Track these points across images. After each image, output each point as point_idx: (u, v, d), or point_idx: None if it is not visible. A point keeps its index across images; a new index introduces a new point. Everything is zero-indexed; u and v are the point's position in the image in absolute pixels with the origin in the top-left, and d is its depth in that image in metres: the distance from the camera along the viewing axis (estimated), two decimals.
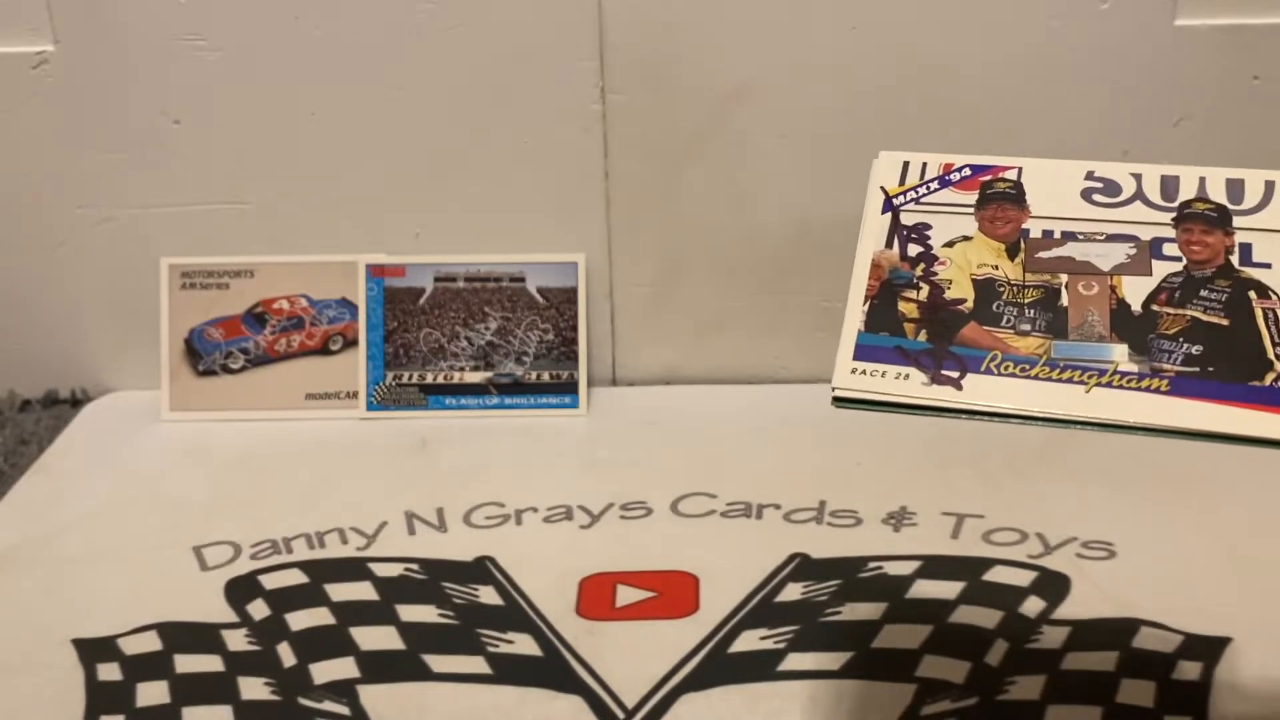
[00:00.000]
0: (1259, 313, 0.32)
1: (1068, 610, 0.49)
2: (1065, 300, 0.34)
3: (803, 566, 0.53)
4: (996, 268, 0.34)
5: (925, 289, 0.34)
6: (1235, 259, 0.34)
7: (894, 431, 0.62)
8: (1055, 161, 0.37)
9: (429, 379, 0.69)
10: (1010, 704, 0.44)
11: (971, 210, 0.36)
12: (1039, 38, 0.65)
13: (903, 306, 0.34)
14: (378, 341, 0.70)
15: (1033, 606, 0.50)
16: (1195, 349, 0.32)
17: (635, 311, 0.72)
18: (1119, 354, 0.32)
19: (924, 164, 0.37)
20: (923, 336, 0.33)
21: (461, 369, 0.69)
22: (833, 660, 0.47)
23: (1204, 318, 0.33)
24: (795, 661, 0.47)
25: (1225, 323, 0.32)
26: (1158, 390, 0.31)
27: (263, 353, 0.70)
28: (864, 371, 0.33)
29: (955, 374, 0.32)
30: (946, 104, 0.66)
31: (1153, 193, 0.36)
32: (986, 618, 0.49)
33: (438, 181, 0.69)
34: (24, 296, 0.73)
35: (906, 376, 0.32)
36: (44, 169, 0.70)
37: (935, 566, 0.52)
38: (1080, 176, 0.36)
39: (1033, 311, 0.33)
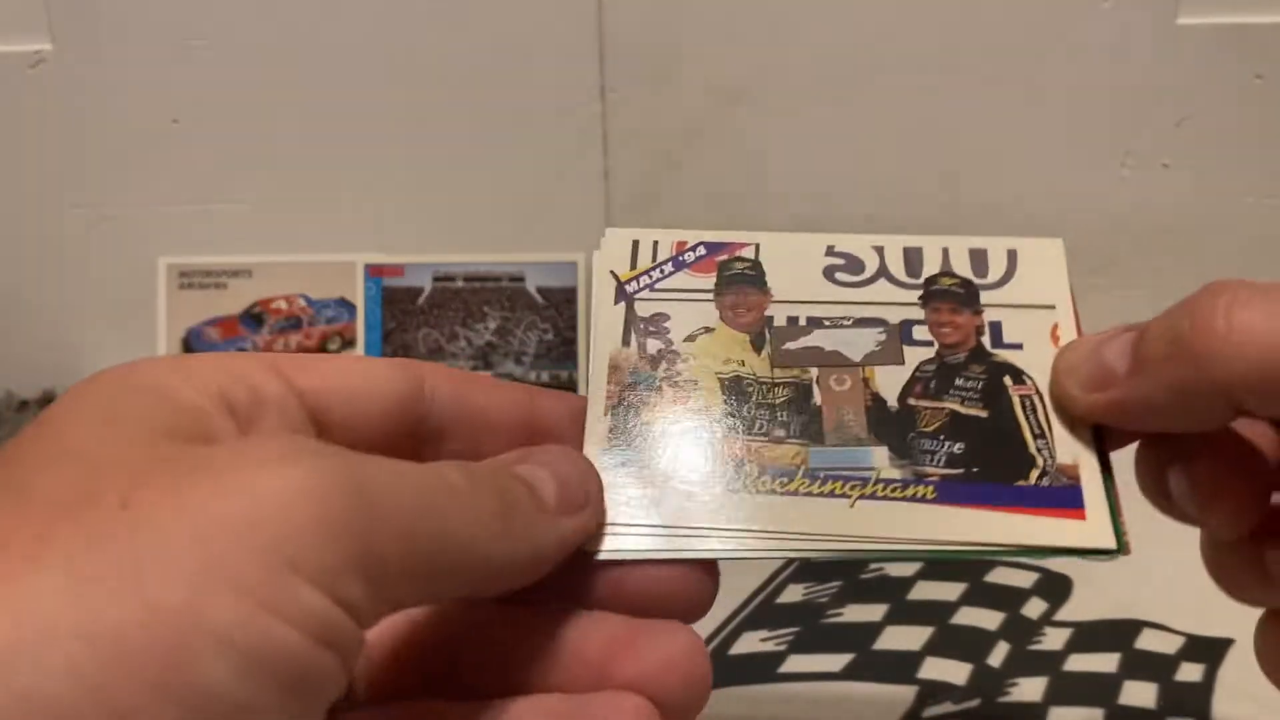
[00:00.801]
0: (1016, 401, 0.30)
1: (1069, 612, 0.49)
2: (818, 398, 0.30)
3: (804, 568, 0.52)
4: (743, 364, 0.30)
5: (673, 392, 0.30)
6: (987, 340, 0.31)
7: None
8: (793, 235, 0.33)
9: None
10: (1012, 705, 0.44)
11: (711, 297, 0.32)
12: (1040, 37, 0.65)
13: (647, 416, 0.30)
14: (376, 342, 0.69)
15: (1035, 608, 0.49)
16: (957, 447, 0.29)
17: None
18: (879, 458, 0.29)
19: (655, 242, 0.33)
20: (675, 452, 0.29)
21: (461, 369, 0.69)
22: (834, 662, 0.46)
23: (962, 410, 0.29)
24: (796, 663, 0.47)
25: (984, 414, 0.29)
26: (924, 499, 0.28)
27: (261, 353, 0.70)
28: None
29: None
30: (946, 102, 0.66)
31: (896, 268, 0.32)
32: (988, 619, 0.49)
33: (436, 181, 0.69)
34: (20, 296, 0.72)
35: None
36: (41, 168, 0.69)
37: (936, 568, 0.52)
38: (820, 252, 0.32)
39: (785, 414, 0.30)
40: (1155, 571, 0.51)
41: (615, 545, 0.27)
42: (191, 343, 0.70)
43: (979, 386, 0.30)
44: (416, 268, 0.70)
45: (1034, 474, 0.28)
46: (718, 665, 0.47)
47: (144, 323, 0.70)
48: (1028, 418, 0.29)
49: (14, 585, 0.18)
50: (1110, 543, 0.28)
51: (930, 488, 0.28)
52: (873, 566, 0.52)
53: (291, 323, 0.70)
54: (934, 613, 0.49)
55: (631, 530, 0.28)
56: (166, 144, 0.69)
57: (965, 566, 0.52)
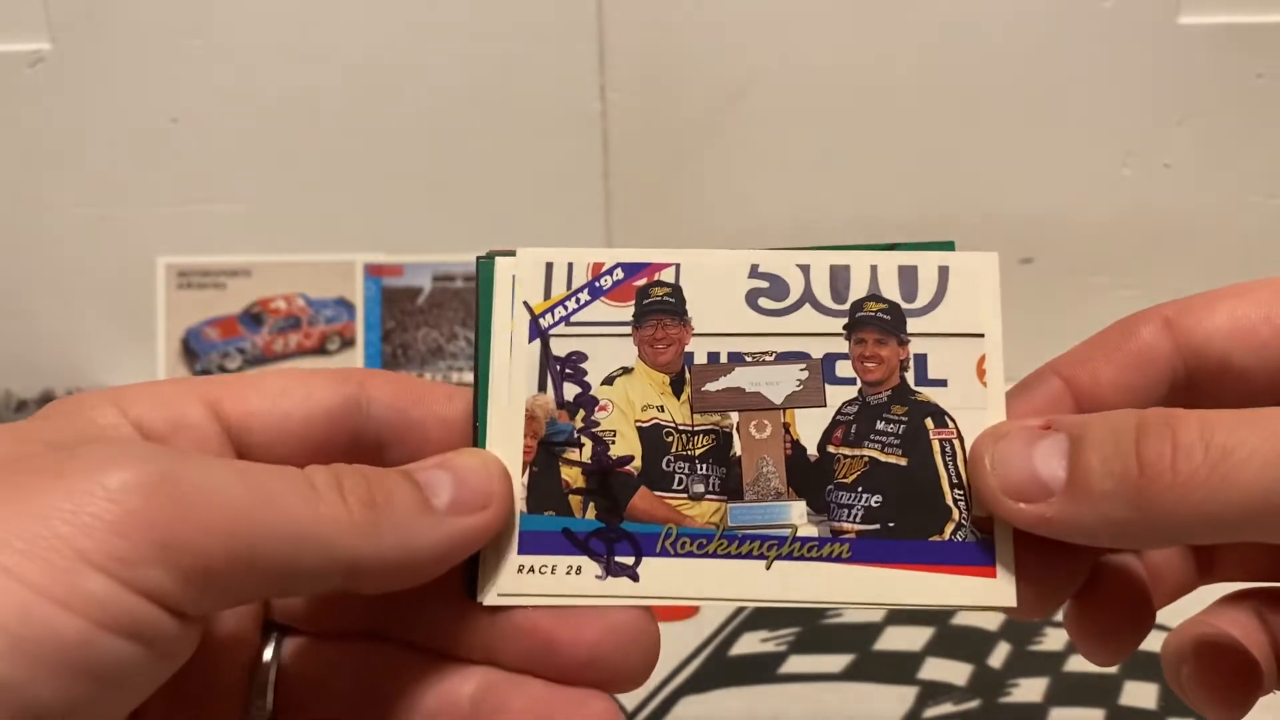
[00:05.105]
0: (936, 447, 0.28)
1: None
2: (738, 448, 0.29)
3: None
4: (662, 409, 0.29)
5: (588, 446, 0.29)
6: (911, 377, 0.29)
7: None
8: (714, 253, 0.30)
9: (427, 379, 0.69)
10: (1013, 706, 0.44)
11: (629, 330, 0.30)
12: (1041, 37, 0.65)
13: (565, 473, 0.29)
14: (375, 341, 0.69)
15: None
16: (875, 500, 0.28)
17: None
18: (797, 514, 0.28)
19: (570, 265, 0.30)
20: (591, 512, 0.28)
21: (460, 369, 0.69)
22: (834, 662, 0.46)
23: (881, 457, 0.29)
24: (796, 664, 0.46)
25: (903, 462, 0.28)
26: (840, 558, 0.28)
27: (260, 353, 0.70)
28: (531, 569, 0.28)
29: (630, 560, 0.28)
30: (947, 102, 0.66)
31: (821, 290, 0.30)
32: (989, 620, 0.48)
33: (436, 180, 0.69)
34: (19, 296, 0.72)
35: (579, 570, 0.28)
36: (40, 167, 0.69)
37: None
38: (744, 273, 0.30)
39: (705, 466, 0.29)
40: None
41: (522, 599, 0.28)
42: (190, 342, 0.69)
43: (899, 430, 0.29)
44: (416, 267, 0.70)
45: (949, 528, 0.28)
46: (718, 665, 0.47)
47: (143, 323, 0.70)
48: (946, 465, 0.28)
49: None
50: (1013, 600, 0.28)
51: (846, 546, 0.28)
52: None
53: (291, 322, 0.70)
54: (934, 613, 0.49)
55: (551, 599, 0.28)
56: (166, 144, 0.69)
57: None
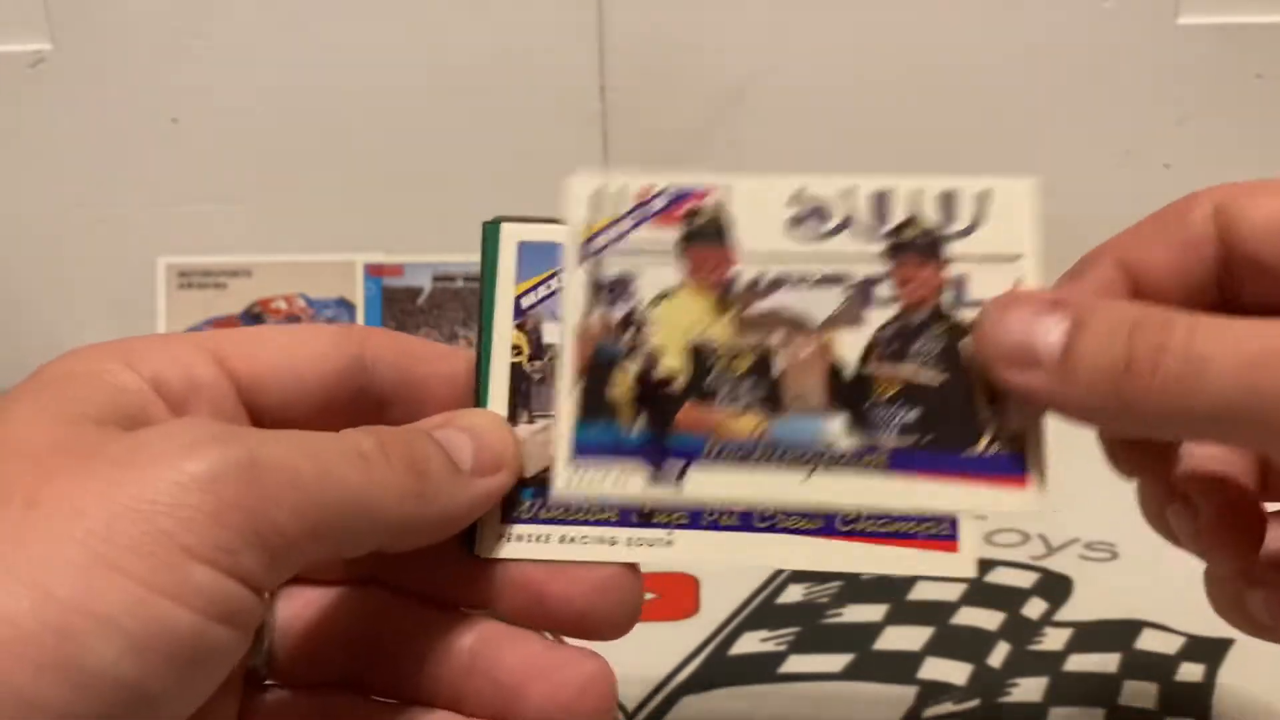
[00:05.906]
0: (973, 365, 0.29)
1: (1070, 612, 0.49)
2: (778, 367, 0.30)
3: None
4: (706, 330, 0.30)
5: (636, 364, 0.30)
6: (949, 298, 0.30)
7: None
8: (762, 179, 0.31)
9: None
10: (1012, 706, 0.44)
11: (675, 253, 0.31)
12: (1041, 37, 0.65)
13: (614, 389, 0.30)
14: None
15: (1035, 608, 0.49)
16: (912, 415, 0.29)
17: None
18: (837, 428, 0.29)
19: (619, 189, 0.31)
20: (641, 423, 0.30)
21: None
22: (834, 662, 0.46)
23: (919, 375, 0.29)
24: (796, 663, 0.47)
25: (940, 379, 0.29)
26: (876, 467, 0.29)
27: None
28: (584, 472, 0.29)
29: (677, 469, 0.29)
30: (948, 102, 0.66)
31: (863, 215, 0.31)
32: (988, 619, 0.49)
33: (436, 181, 0.69)
34: (19, 296, 0.72)
35: (627, 477, 0.29)
36: (40, 167, 0.69)
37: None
38: (788, 197, 0.31)
39: (747, 384, 0.30)
40: (1155, 571, 0.51)
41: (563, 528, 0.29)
42: None
43: (936, 350, 0.29)
44: (416, 268, 0.70)
45: (983, 442, 0.29)
46: (718, 665, 0.47)
47: (144, 323, 0.70)
48: (983, 382, 0.29)
49: None
50: (1043, 507, 0.29)
51: (883, 457, 0.29)
52: None
53: (291, 322, 0.70)
54: (934, 613, 0.49)
55: (595, 517, 0.30)
56: (166, 144, 0.69)
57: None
